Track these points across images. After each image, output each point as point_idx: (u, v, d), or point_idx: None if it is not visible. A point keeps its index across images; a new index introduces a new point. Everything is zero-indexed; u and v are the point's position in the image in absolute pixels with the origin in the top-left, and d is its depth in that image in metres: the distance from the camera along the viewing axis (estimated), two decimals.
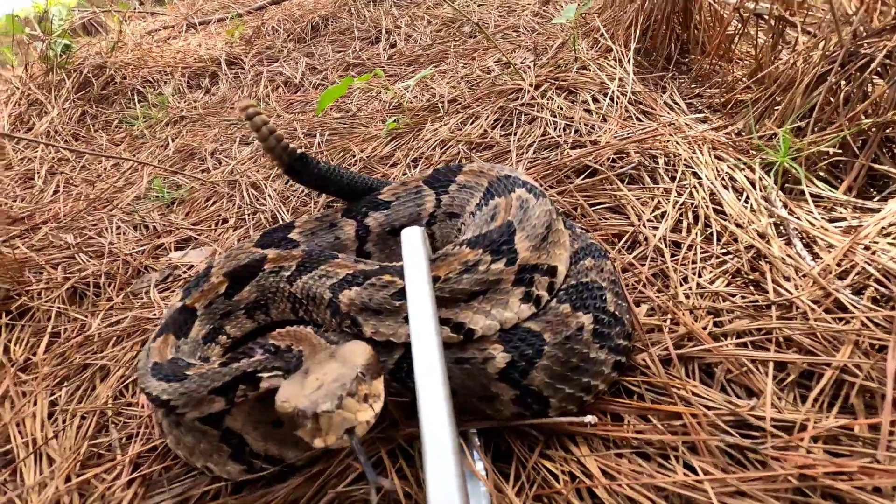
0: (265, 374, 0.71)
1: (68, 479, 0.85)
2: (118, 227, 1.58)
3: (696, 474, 0.63)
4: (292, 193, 1.53)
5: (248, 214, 1.50)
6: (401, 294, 0.74)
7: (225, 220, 1.53)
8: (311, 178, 1.00)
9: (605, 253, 0.85)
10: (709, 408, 0.69)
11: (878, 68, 0.97)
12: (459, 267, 0.74)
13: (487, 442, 0.72)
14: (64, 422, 0.95)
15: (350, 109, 2.10)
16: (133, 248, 1.47)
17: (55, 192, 2.06)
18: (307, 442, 0.58)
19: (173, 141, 2.26)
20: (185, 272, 1.35)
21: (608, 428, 0.71)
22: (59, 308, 1.22)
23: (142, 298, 1.28)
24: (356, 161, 1.61)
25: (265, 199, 1.54)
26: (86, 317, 1.22)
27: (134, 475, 0.84)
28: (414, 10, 3.12)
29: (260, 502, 0.74)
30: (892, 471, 0.57)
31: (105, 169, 2.20)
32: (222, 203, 1.63)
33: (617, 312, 0.77)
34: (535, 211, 0.80)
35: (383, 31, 2.85)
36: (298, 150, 0.96)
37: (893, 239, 0.84)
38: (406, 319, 0.74)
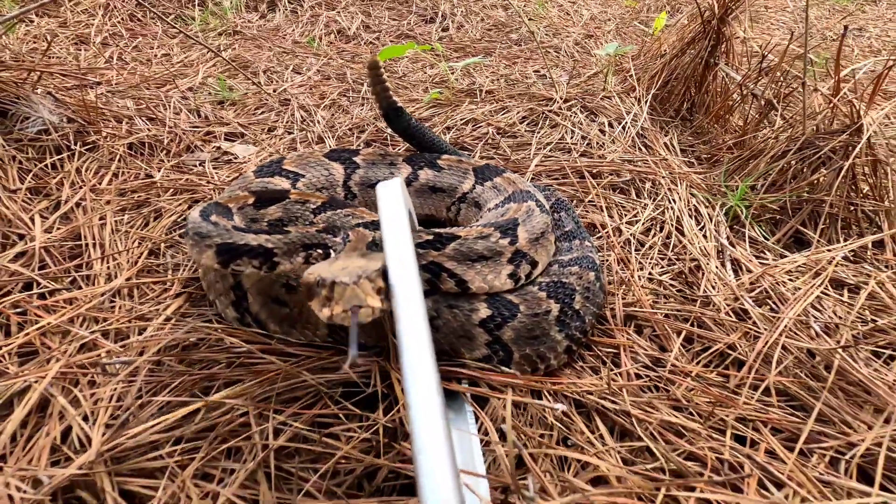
0: (333, 254, 0.86)
1: (128, 279, 1.04)
2: (175, 107, 1.75)
3: (620, 379, 0.89)
4: (339, 124, 1.73)
5: (297, 130, 1.70)
6: (424, 244, 0.89)
7: (272, 129, 1.73)
8: (401, 128, 1.23)
9: (594, 265, 1.04)
10: (637, 346, 0.96)
11: (824, 158, 1.27)
12: (476, 235, 0.93)
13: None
14: (127, 239, 1.14)
15: (398, 72, 2.32)
16: (188, 128, 1.65)
17: (108, 61, 2.19)
18: (315, 312, 0.65)
19: (225, 50, 2.42)
20: (232, 159, 1.54)
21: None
22: (122, 153, 1.40)
23: (192, 169, 1.47)
24: None
25: (313, 122, 1.74)
26: (141, 168, 1.40)
27: (181, 291, 1.05)
28: (471, 5, 3.35)
29: (256, 343, 0.95)
30: (734, 400, 0.84)
31: (156, 56, 2.34)
32: (271, 115, 1.82)
33: (581, 311, 0.96)
34: (536, 219, 1.02)
35: (439, 15, 3.07)
36: (398, 104, 1.19)
37: (790, 278, 1.13)
38: (424, 267, 0.90)
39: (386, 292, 0.66)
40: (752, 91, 1.49)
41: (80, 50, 2.23)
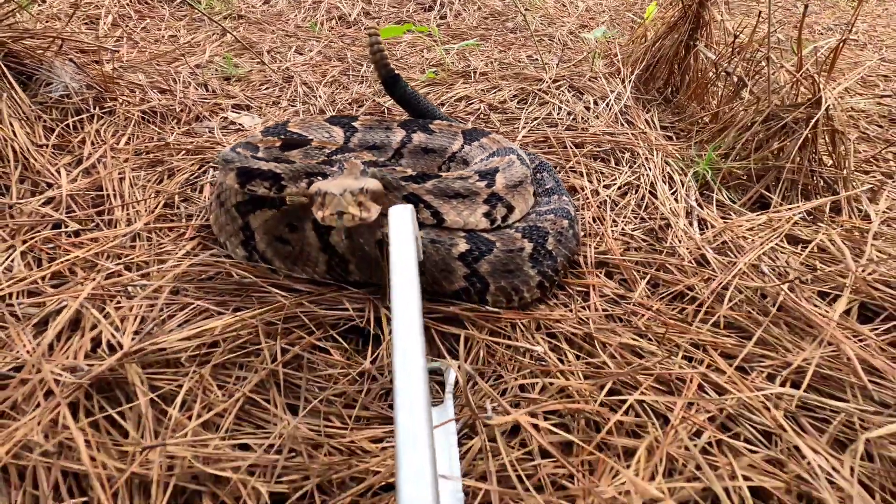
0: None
1: (146, 224, 1.15)
2: (184, 81, 1.85)
3: (588, 311, 1.00)
4: (340, 99, 1.83)
5: (300, 104, 1.80)
6: (407, 178, 1.02)
7: (277, 102, 1.83)
8: (398, 95, 1.34)
9: (568, 215, 1.13)
10: (606, 287, 1.07)
11: (788, 129, 1.38)
12: (455, 176, 1.05)
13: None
14: (144, 191, 1.24)
15: (396, 55, 2.42)
16: (196, 99, 1.75)
17: (118, 40, 2.28)
18: (314, 214, 0.84)
19: (229, 33, 2.51)
20: (238, 128, 1.64)
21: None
22: (136, 119, 1.50)
23: (202, 136, 1.57)
24: None
25: (315, 97, 1.84)
26: (155, 132, 1.50)
27: (195, 236, 1.15)
28: None
29: (263, 278, 1.06)
30: (688, 329, 0.95)
31: (163, 37, 2.43)
32: (275, 90, 1.92)
33: (553, 252, 1.05)
34: (516, 169, 1.13)
35: (438, 3, 3.17)
36: (395, 72, 1.30)
37: (748, 233, 1.23)
38: (405, 198, 1.02)
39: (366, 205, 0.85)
40: (726, 69, 1.60)
41: (93, 30, 2.32)
